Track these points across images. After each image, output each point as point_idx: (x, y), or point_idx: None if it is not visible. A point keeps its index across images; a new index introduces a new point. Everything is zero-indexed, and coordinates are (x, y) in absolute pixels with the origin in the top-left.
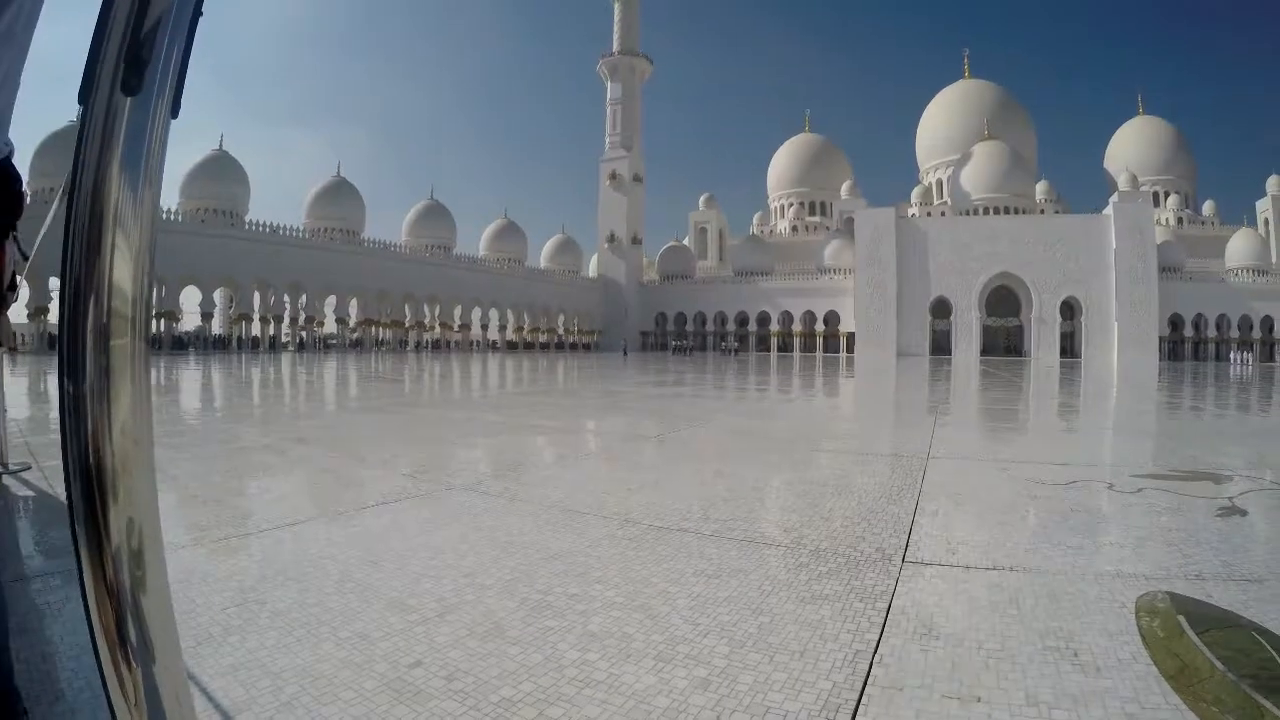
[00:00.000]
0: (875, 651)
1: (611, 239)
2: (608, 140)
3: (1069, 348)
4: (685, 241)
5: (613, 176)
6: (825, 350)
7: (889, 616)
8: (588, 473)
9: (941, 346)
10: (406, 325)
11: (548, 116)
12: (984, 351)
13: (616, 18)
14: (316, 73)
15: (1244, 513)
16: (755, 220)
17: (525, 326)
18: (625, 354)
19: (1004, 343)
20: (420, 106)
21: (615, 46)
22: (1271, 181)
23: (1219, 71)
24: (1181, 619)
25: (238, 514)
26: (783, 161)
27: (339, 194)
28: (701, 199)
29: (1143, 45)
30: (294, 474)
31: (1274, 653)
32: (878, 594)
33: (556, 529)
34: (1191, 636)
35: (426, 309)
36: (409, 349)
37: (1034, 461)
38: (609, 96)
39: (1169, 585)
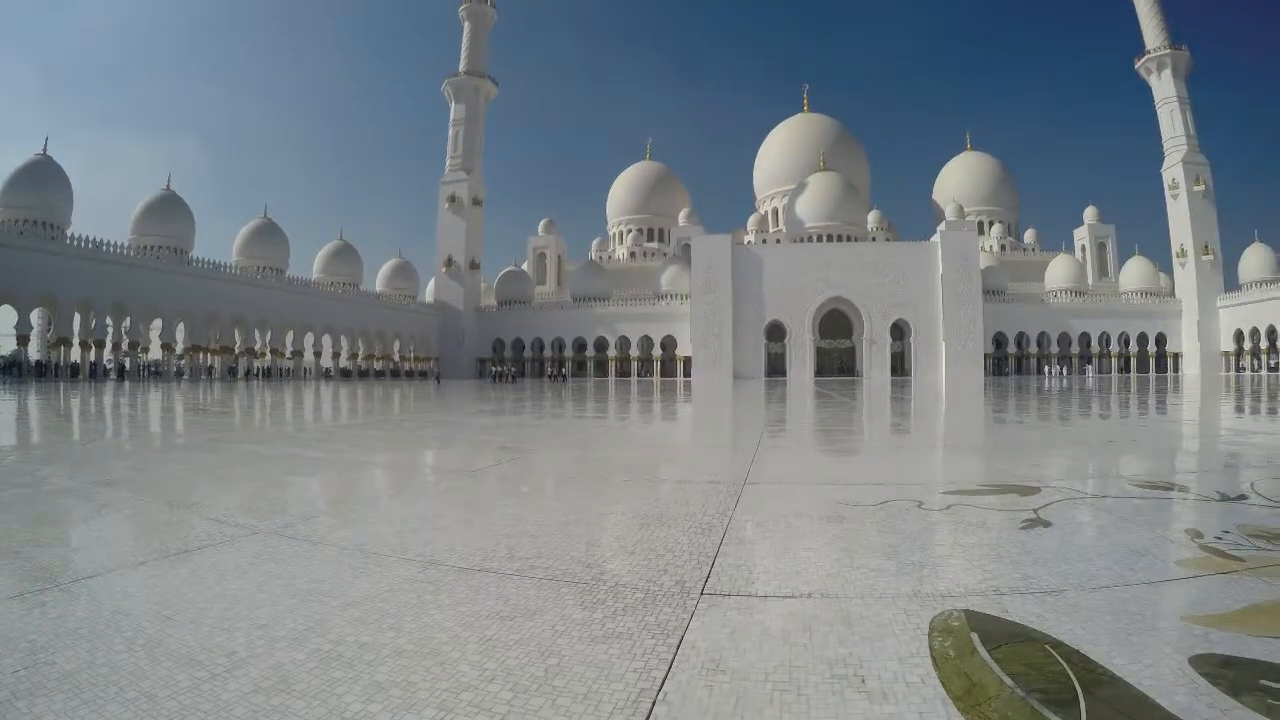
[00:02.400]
0: (660, 690)
1: (449, 263)
2: (448, 162)
3: (899, 366)
4: (524, 267)
5: (452, 199)
6: (663, 374)
7: (679, 652)
8: (398, 512)
9: (777, 368)
10: (236, 351)
11: (388, 136)
12: (818, 372)
13: (465, 38)
14: (149, 77)
15: (1047, 524)
16: (594, 246)
17: (360, 353)
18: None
19: (837, 363)
20: (255, 119)
21: (461, 67)
22: (1088, 212)
23: (1041, 111)
24: (975, 637)
25: (35, 567)
26: (623, 188)
27: (168, 209)
28: (541, 224)
29: (973, 85)
30: (98, 521)
31: (1065, 665)
32: (670, 629)
33: (357, 574)
34: (983, 654)
35: (257, 334)
36: (238, 377)
37: (850, 483)
38: (452, 117)
39: (966, 603)
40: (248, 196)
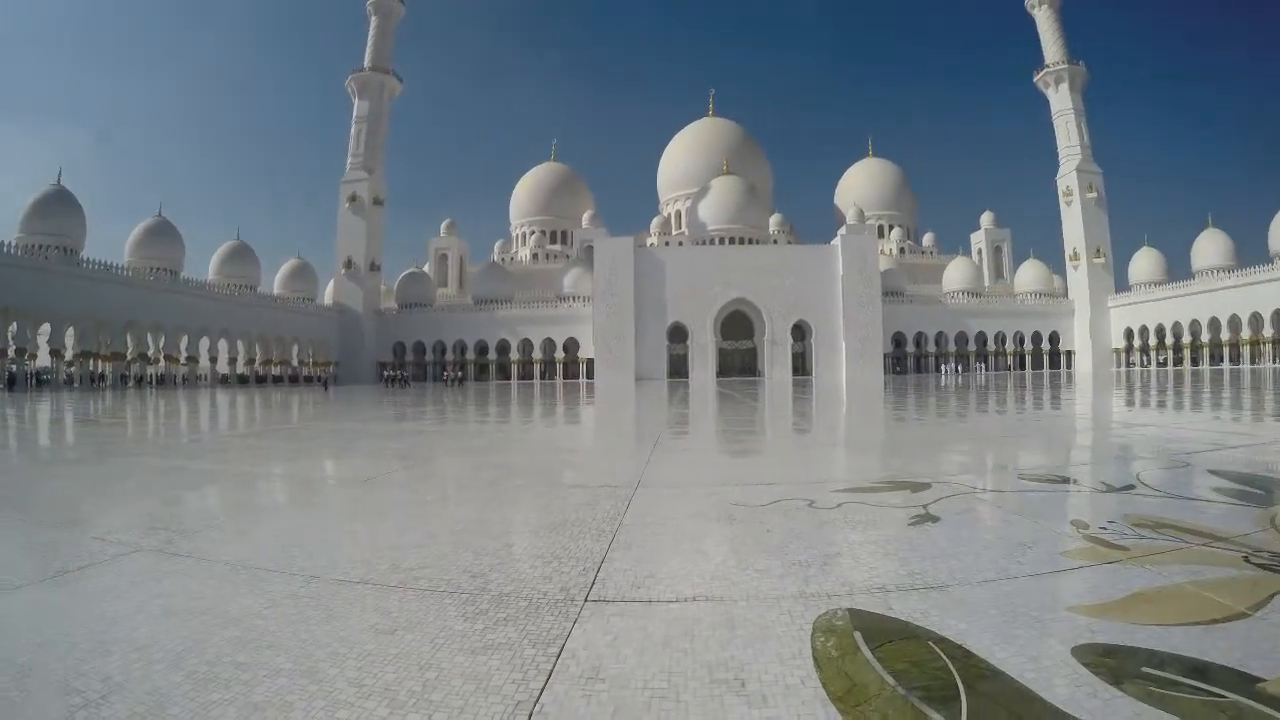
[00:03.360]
0: (537, 701)
1: (349, 265)
2: (350, 160)
3: (800, 366)
4: (425, 269)
5: (353, 199)
6: (566, 377)
7: (558, 662)
8: (283, 525)
9: (679, 370)
10: (129, 358)
11: (289, 132)
12: (720, 373)
13: (371, 32)
14: (38, 64)
15: (936, 519)
16: (497, 248)
17: (258, 358)
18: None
19: (739, 364)
20: (148, 111)
21: (366, 62)
22: (985, 217)
23: (942, 119)
24: (858, 635)
25: None
26: (526, 190)
27: (58, 205)
28: (443, 225)
29: (876, 94)
30: None
31: (948, 661)
32: (552, 638)
33: (239, 590)
34: (865, 653)
35: (151, 339)
36: (131, 385)
37: (743, 483)
38: (355, 114)
39: (851, 601)
40: (141, 194)
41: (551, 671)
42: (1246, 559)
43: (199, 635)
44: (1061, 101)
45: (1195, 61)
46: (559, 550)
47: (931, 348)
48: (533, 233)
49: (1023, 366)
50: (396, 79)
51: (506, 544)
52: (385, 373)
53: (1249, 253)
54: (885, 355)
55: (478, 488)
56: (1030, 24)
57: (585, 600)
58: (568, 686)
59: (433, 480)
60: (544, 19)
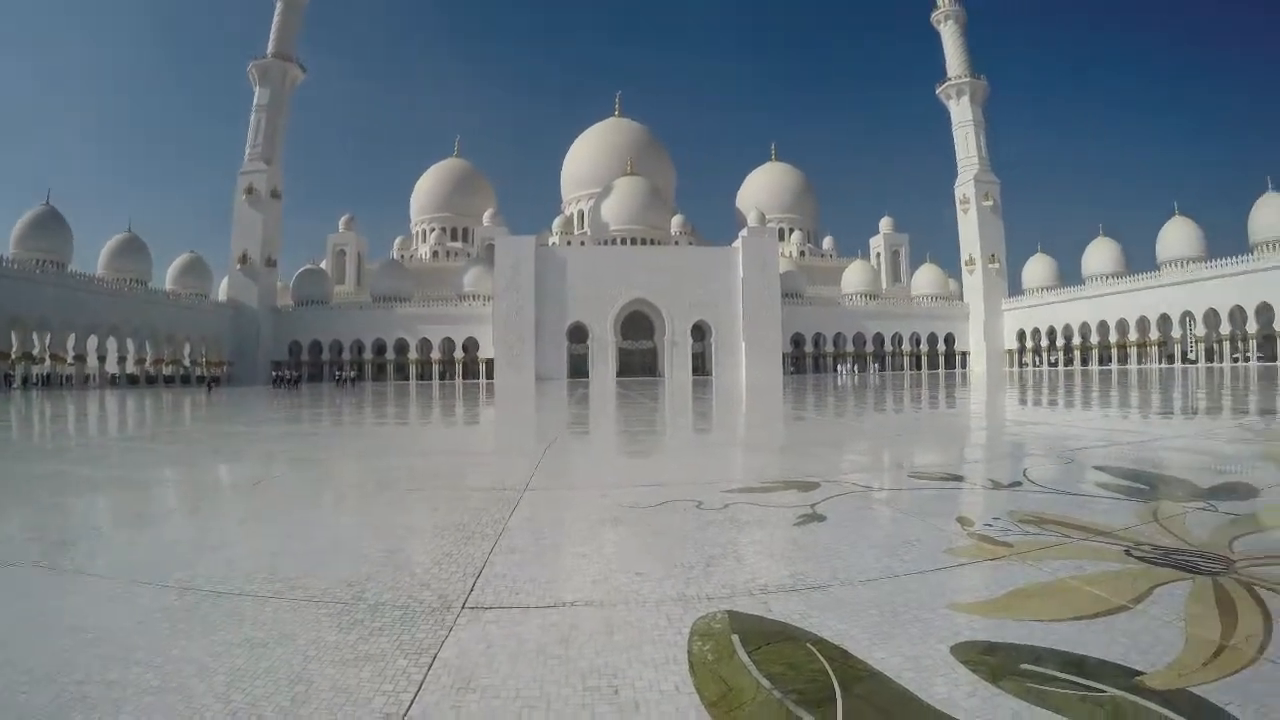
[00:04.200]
0: (405, 714)
1: (244, 260)
2: (248, 151)
3: (700, 366)
4: (323, 265)
5: (250, 190)
6: (465, 377)
7: (430, 672)
8: (162, 535)
9: (580, 369)
10: (13, 357)
11: (185, 120)
12: (621, 373)
13: (276, 18)
14: None
15: (822, 519)
16: (396, 244)
17: (149, 357)
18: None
19: (640, 364)
20: (37, 94)
21: (270, 49)
22: (884, 222)
23: (845, 126)
24: (735, 638)
25: None
26: (428, 185)
27: None
28: (341, 220)
29: (781, 99)
30: None
31: (825, 663)
32: (425, 647)
33: (114, 604)
34: (742, 656)
35: (36, 337)
36: (14, 386)
37: (633, 484)
38: (255, 102)
39: (731, 604)
40: (27, 181)
41: (422, 683)
42: (1128, 552)
43: (69, 652)
44: (962, 113)
45: (1091, 80)
46: (440, 556)
47: (830, 348)
48: (433, 230)
49: (919, 367)
50: (300, 67)
51: (388, 550)
52: (274, 372)
53: (1137, 260)
54: (784, 355)
55: (364, 492)
56: (934, 36)
57: (463, 608)
58: (437, 698)
59: (318, 485)
60: (451, 13)
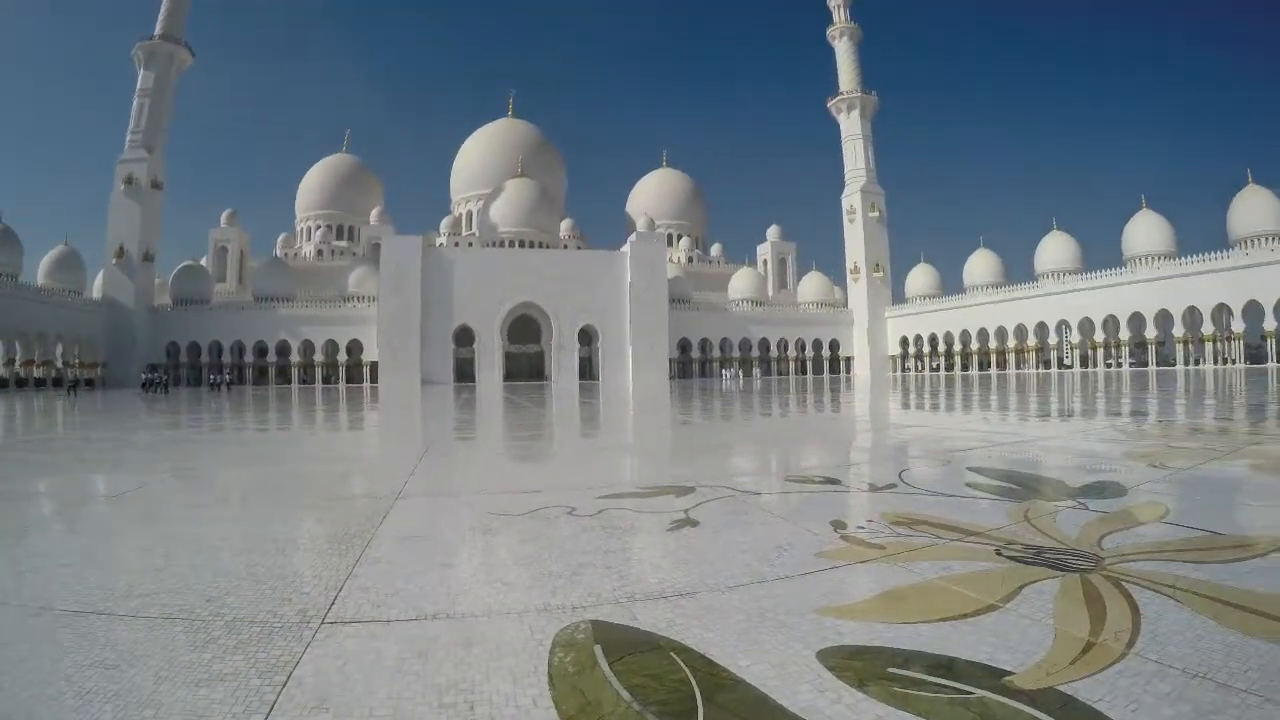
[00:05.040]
0: None
1: (121, 254)
2: (129, 138)
3: (587, 371)
4: (203, 262)
5: (129, 180)
6: (349, 381)
7: (284, 692)
8: (22, 548)
9: (466, 373)
10: None
11: (61, 104)
12: (507, 377)
13: None
14: None
15: (695, 524)
16: (280, 242)
17: (18, 358)
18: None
19: (527, 368)
20: None
21: (157, 30)
22: (772, 230)
23: (736, 136)
24: (598, 649)
25: None
26: (314, 181)
27: None
28: (224, 215)
29: (673, 107)
30: None
31: (689, 672)
32: (281, 665)
33: None
34: (604, 668)
35: None
36: None
37: (507, 491)
38: (139, 86)
39: (597, 613)
40: None
41: (274, 703)
42: (999, 552)
43: None
44: (852, 127)
45: (975, 99)
46: (304, 568)
47: (717, 354)
48: (319, 227)
49: (804, 372)
50: (188, 51)
51: (251, 564)
52: (143, 375)
53: (1015, 271)
54: (671, 360)
55: (230, 502)
56: (828, 51)
57: (322, 622)
58: (289, 718)
59: (184, 495)
60: (345, 5)
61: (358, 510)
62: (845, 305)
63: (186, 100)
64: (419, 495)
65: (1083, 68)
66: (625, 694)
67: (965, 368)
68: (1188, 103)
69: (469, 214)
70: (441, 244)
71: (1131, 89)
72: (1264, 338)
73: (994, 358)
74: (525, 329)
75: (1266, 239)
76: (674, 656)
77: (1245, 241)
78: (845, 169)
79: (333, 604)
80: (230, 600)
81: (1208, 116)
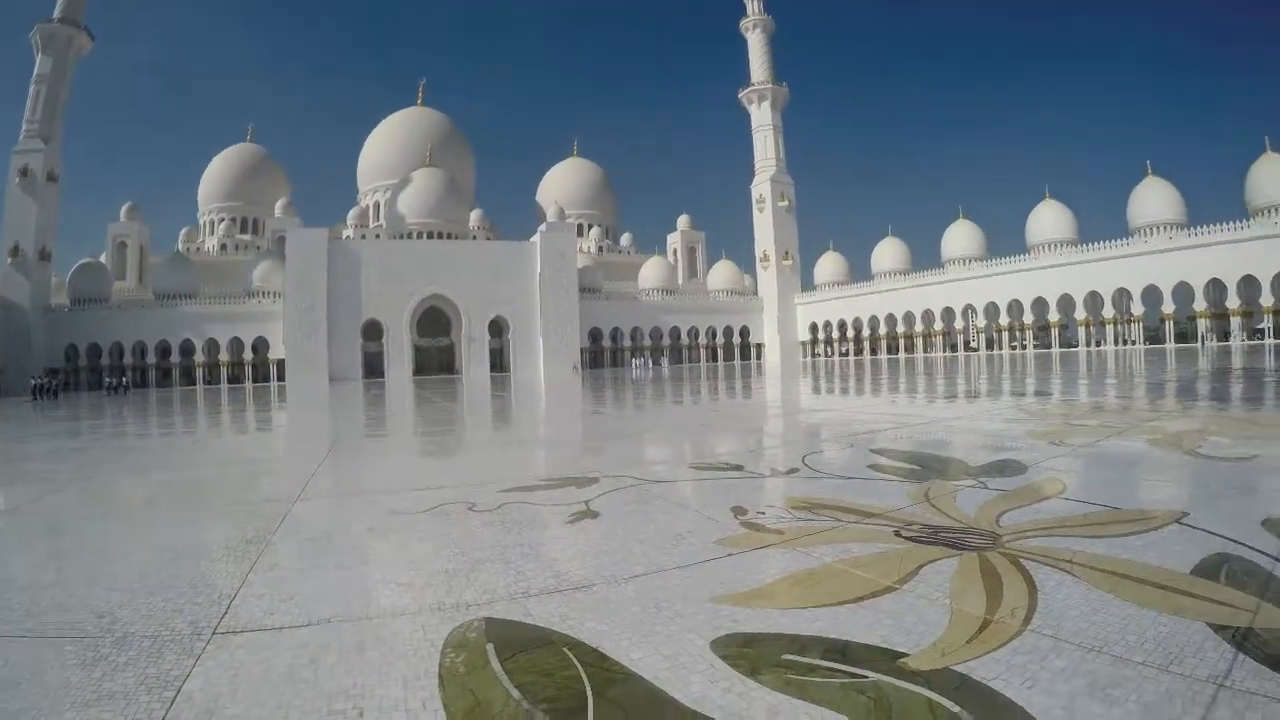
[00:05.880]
0: None
1: (15, 252)
2: (24, 128)
3: (499, 363)
4: (103, 259)
5: (24, 172)
6: (255, 380)
7: (173, 707)
8: None
9: (375, 369)
10: None
11: None
12: (418, 371)
13: None
14: None
15: (596, 515)
16: (182, 236)
17: None
18: None
19: (437, 362)
20: None
21: (56, 13)
22: (682, 219)
23: (646, 125)
24: (490, 648)
25: None
26: (217, 172)
27: None
28: (123, 209)
29: (585, 95)
30: None
31: (580, 668)
32: (171, 680)
33: None
34: (495, 666)
35: None
36: None
37: (409, 489)
38: (36, 72)
39: (491, 610)
40: None
41: (164, 718)
42: (898, 533)
43: None
44: (762, 117)
45: (883, 91)
46: (197, 577)
47: (628, 343)
48: (222, 220)
49: (715, 359)
50: (88, 35)
51: (143, 575)
52: (33, 381)
53: (922, 257)
54: (582, 350)
55: (124, 513)
56: (740, 42)
57: (214, 633)
58: None
59: (78, 506)
60: None
61: (256, 515)
62: (755, 293)
63: (84, 88)
64: (319, 497)
65: (985, 59)
66: (515, 692)
67: (875, 352)
68: (1092, 93)
69: (376, 205)
70: (348, 236)
71: (1032, 79)
72: (1162, 320)
73: (902, 342)
74: (435, 322)
75: (1164, 228)
76: (566, 652)
77: (1144, 230)
78: (755, 159)
79: (225, 614)
80: (123, 614)
81: (1110, 108)
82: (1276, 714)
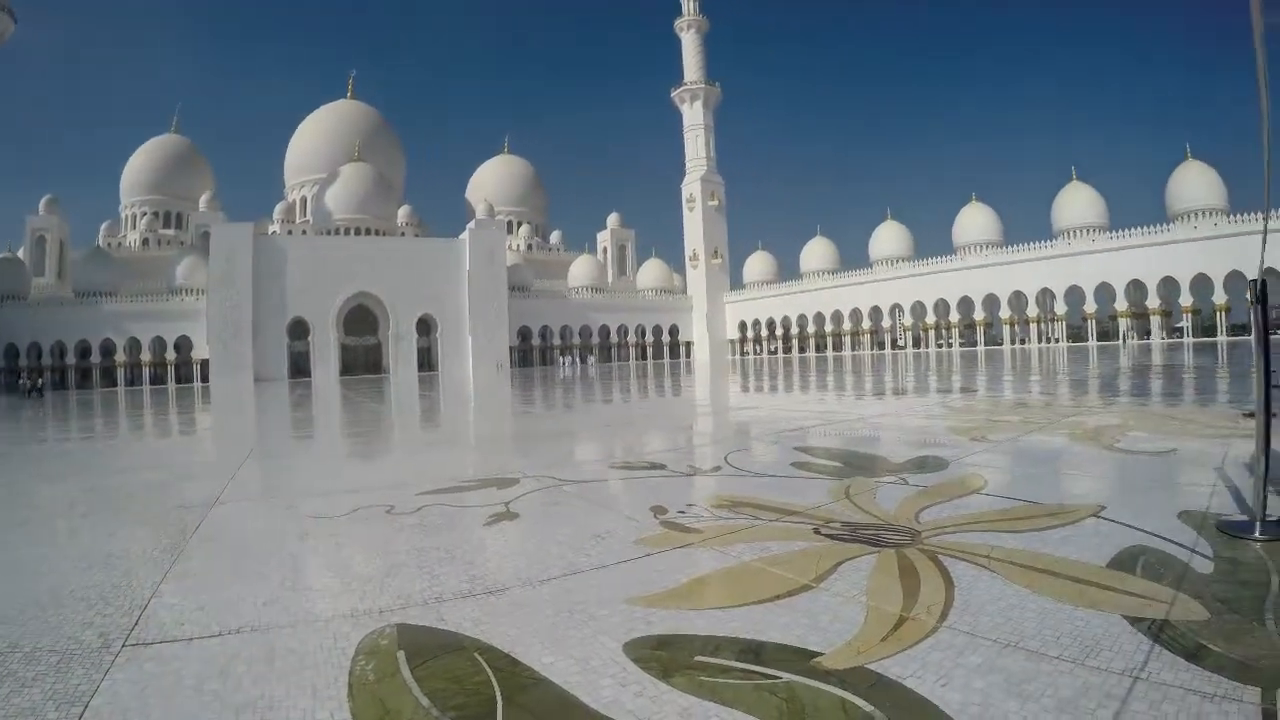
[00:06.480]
0: None
1: None
2: None
3: (427, 362)
4: (20, 254)
5: None
6: (179, 380)
7: None
8: None
9: (301, 368)
10: None
11: None
12: (345, 371)
13: None
14: None
15: (515, 516)
16: (103, 230)
17: None
18: None
19: (364, 361)
20: None
21: None
22: (612, 218)
23: (578, 122)
24: (401, 655)
25: None
26: (140, 163)
27: None
28: (42, 201)
29: (517, 92)
30: None
31: (491, 674)
32: (78, 697)
33: None
34: (405, 674)
35: None
36: None
37: (328, 492)
38: None
39: (404, 616)
40: None
41: None
42: (817, 531)
43: None
44: (694, 117)
45: (813, 92)
46: (109, 588)
47: (557, 341)
48: (145, 214)
49: (644, 357)
50: (10, 16)
51: (53, 586)
52: None
53: (850, 257)
54: (511, 349)
55: (33, 522)
56: (673, 41)
57: (124, 645)
58: None
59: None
60: None
61: (172, 521)
62: (685, 291)
63: (2, 74)
64: (237, 501)
65: (914, 63)
66: (424, 700)
67: (803, 351)
68: (1014, 96)
69: (304, 200)
70: (274, 232)
71: (961, 84)
72: (1085, 319)
73: (830, 341)
74: (362, 320)
75: (1087, 230)
76: (478, 657)
77: (1068, 232)
78: (686, 158)
79: (136, 625)
80: (31, 626)
81: (1035, 112)
82: (1192, 705)
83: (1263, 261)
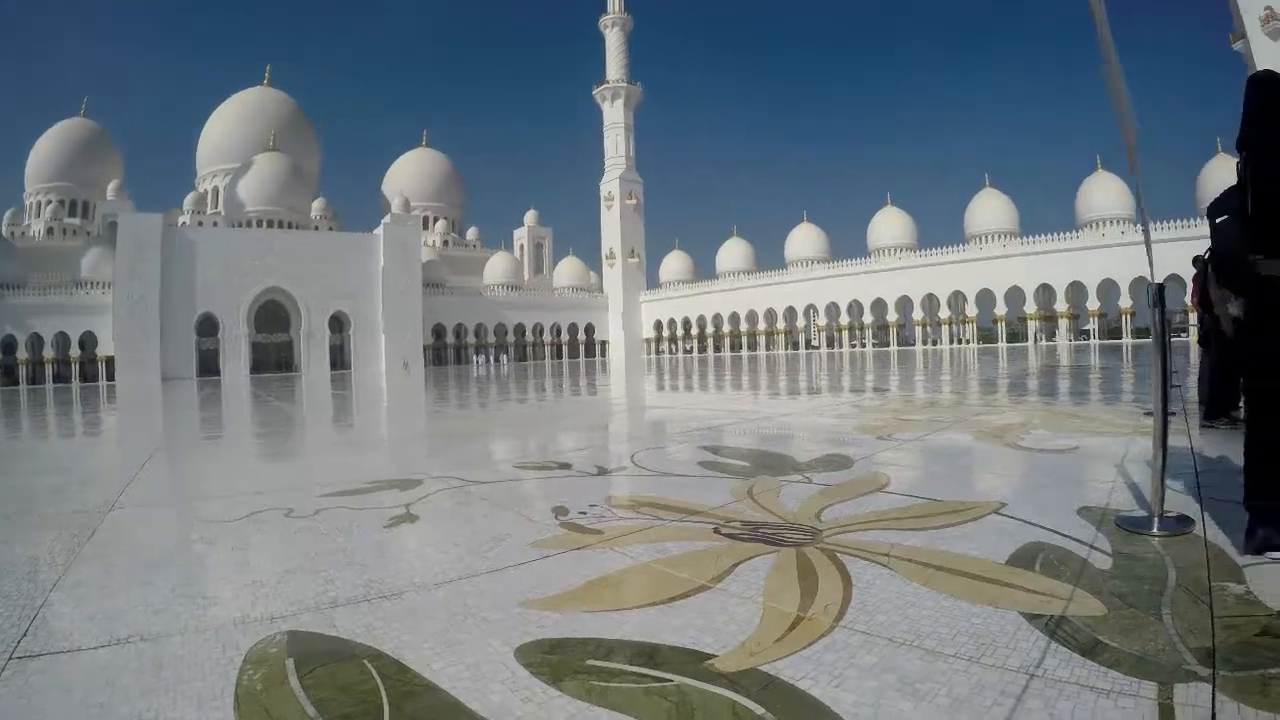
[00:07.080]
0: None
1: None
2: None
3: (339, 360)
4: None
5: None
6: (84, 379)
7: None
8: None
9: (210, 367)
10: None
11: None
12: (255, 369)
13: None
14: None
15: (415, 519)
16: (6, 219)
17: None
18: None
19: (275, 359)
20: None
21: None
22: (529, 215)
23: (497, 120)
24: (290, 663)
25: None
26: (46, 149)
27: None
28: None
29: (437, 87)
30: None
31: (379, 681)
32: None
33: None
34: (293, 683)
35: None
36: None
37: (226, 495)
38: None
39: (295, 622)
40: None
41: None
42: (717, 530)
43: None
44: (615, 115)
45: (733, 95)
46: None
47: (472, 339)
48: (49, 202)
49: (559, 356)
50: None
51: None
52: None
53: (766, 258)
54: (426, 347)
55: None
56: (597, 39)
57: (10, 658)
58: None
59: None
60: None
61: (66, 527)
62: (601, 290)
63: None
64: (133, 506)
65: (828, 67)
66: (311, 709)
67: (718, 350)
68: (928, 102)
69: (216, 190)
70: (185, 223)
71: (878, 90)
72: (995, 321)
73: (745, 340)
74: (274, 317)
75: (999, 236)
76: (367, 664)
77: (980, 237)
78: (606, 156)
79: (24, 635)
80: None
81: (945, 121)
82: (1089, 701)
83: (1151, 267)
